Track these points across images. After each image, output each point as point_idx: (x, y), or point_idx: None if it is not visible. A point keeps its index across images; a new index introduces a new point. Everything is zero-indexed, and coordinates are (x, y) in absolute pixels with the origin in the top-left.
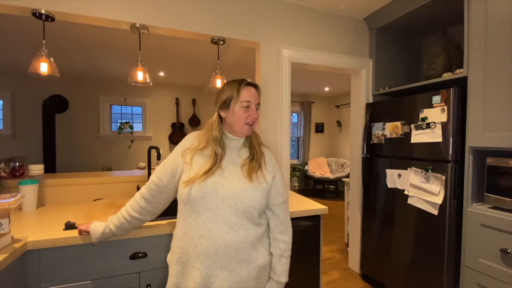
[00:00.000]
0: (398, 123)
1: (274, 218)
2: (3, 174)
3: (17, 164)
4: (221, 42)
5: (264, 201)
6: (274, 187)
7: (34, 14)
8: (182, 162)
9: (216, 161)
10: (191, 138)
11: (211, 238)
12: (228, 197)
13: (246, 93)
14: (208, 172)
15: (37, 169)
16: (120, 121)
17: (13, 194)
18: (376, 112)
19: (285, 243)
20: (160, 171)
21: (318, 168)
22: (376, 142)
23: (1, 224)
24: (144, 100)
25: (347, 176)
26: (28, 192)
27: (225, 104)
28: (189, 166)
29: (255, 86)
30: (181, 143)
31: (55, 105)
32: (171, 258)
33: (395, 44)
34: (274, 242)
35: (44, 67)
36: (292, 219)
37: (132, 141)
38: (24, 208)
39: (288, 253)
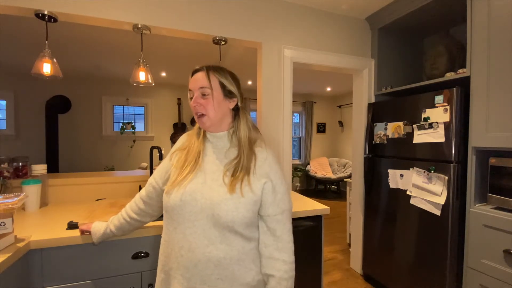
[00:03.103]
0: (400, 123)
1: (268, 233)
2: (6, 174)
3: (20, 164)
4: (223, 42)
5: (249, 214)
6: (266, 195)
7: (37, 15)
8: (171, 165)
9: (184, 164)
10: (183, 138)
11: (191, 250)
12: (206, 207)
13: (190, 82)
14: (179, 178)
15: (40, 169)
16: (122, 121)
17: (16, 194)
18: (378, 112)
19: (284, 262)
20: (157, 173)
21: (320, 168)
22: (378, 142)
23: (5, 224)
24: (146, 100)
25: (349, 176)
26: (31, 192)
27: None
28: (175, 170)
29: (203, 69)
30: (175, 144)
31: (58, 105)
32: (158, 264)
33: (397, 44)
34: (269, 262)
35: (47, 68)
36: (294, 220)
37: (134, 141)
38: (27, 208)
39: (290, 274)
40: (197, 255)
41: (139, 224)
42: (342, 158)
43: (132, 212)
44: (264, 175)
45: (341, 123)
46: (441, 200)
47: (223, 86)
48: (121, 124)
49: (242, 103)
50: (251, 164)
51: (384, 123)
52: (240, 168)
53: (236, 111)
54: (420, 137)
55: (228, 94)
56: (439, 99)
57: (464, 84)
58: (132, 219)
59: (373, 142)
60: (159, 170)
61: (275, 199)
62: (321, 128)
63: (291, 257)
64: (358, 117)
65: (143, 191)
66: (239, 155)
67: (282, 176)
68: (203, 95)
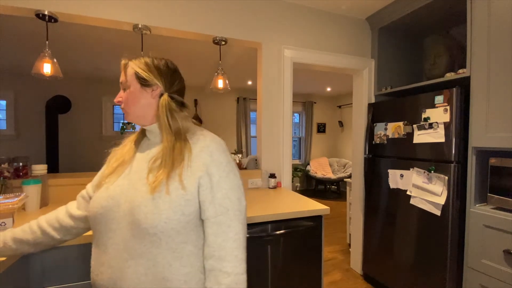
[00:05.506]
0: (401, 123)
1: (208, 240)
2: (6, 174)
3: (21, 164)
4: (223, 43)
5: (178, 216)
6: (203, 192)
7: (37, 15)
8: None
9: (112, 163)
10: (129, 135)
11: (110, 266)
12: (128, 212)
13: None
14: (101, 180)
15: (40, 169)
16: (122, 121)
17: (17, 194)
18: (378, 112)
19: (227, 275)
20: (92, 182)
21: (320, 168)
22: (378, 142)
23: (5, 224)
24: None
25: (349, 176)
26: (32, 192)
27: None
28: (103, 170)
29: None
30: None
31: (58, 105)
32: None
33: (398, 44)
34: (210, 275)
35: (47, 68)
36: (294, 220)
37: None
38: (28, 208)
39: None
40: (116, 272)
41: (53, 243)
42: (342, 158)
43: (50, 227)
44: (200, 167)
45: (341, 123)
46: (441, 200)
47: (138, 76)
48: (121, 124)
49: (169, 89)
50: (183, 156)
51: (384, 123)
52: (164, 163)
53: None
54: (420, 137)
55: (145, 83)
56: (439, 99)
57: (464, 84)
58: (45, 234)
59: (373, 142)
60: (95, 177)
61: (215, 196)
62: (321, 128)
63: (238, 268)
64: (358, 117)
65: (71, 204)
66: (162, 147)
67: (231, 169)
68: (124, 89)
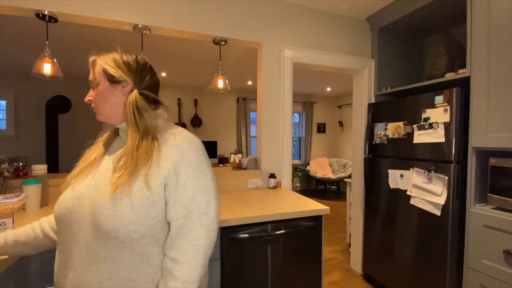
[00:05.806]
0: (401, 123)
1: (168, 239)
2: (6, 174)
3: (21, 164)
4: (223, 43)
5: (141, 219)
6: (168, 192)
7: (37, 15)
8: None
9: (81, 162)
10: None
11: (73, 269)
12: (90, 213)
13: None
14: (69, 179)
15: (40, 169)
16: None
17: (17, 194)
18: (378, 112)
19: (174, 279)
20: None
21: (320, 168)
22: (378, 142)
23: (5, 224)
24: None
25: (349, 176)
26: (32, 192)
27: None
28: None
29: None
30: None
31: (58, 105)
32: None
33: (398, 44)
34: (164, 273)
35: (47, 68)
36: (294, 220)
37: None
38: (28, 208)
39: None
40: (80, 276)
41: (55, 246)
42: (342, 158)
43: (53, 231)
44: (168, 166)
45: (341, 123)
46: (441, 200)
47: (106, 73)
48: None
49: (139, 85)
50: (150, 155)
51: (384, 123)
52: (126, 162)
53: None
54: (420, 137)
55: (114, 80)
56: (439, 99)
57: (464, 84)
58: (48, 238)
59: (373, 142)
60: None
61: (179, 197)
62: (321, 128)
63: (187, 275)
64: (358, 117)
65: None
66: (126, 146)
67: (202, 169)
68: (93, 88)
